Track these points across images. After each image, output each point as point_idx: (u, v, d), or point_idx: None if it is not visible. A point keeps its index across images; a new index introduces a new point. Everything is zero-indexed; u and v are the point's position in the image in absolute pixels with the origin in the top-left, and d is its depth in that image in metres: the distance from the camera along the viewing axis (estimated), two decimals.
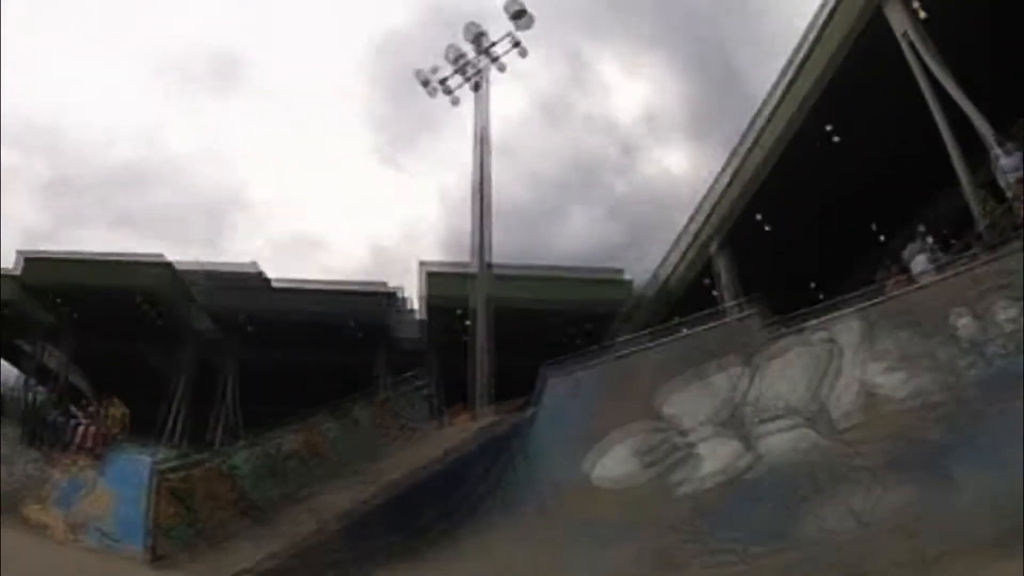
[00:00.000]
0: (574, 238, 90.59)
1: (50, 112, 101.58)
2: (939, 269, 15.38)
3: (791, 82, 26.30)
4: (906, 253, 18.15)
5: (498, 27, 28.23)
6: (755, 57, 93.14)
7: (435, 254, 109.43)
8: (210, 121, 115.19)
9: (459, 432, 17.70)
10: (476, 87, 27.68)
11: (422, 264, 38.58)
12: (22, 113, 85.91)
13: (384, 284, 42.35)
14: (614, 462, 13.09)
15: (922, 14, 20.46)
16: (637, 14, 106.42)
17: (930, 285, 12.83)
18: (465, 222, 26.23)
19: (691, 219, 35.97)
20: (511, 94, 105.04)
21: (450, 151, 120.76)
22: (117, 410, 22.82)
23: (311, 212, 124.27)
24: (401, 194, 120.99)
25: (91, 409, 23.93)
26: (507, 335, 26.24)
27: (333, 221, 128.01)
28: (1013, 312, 9.71)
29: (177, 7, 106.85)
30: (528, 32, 28.27)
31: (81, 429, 21.50)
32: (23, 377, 36.30)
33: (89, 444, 20.96)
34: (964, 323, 10.17)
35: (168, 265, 38.37)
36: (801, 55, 25.69)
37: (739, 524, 9.62)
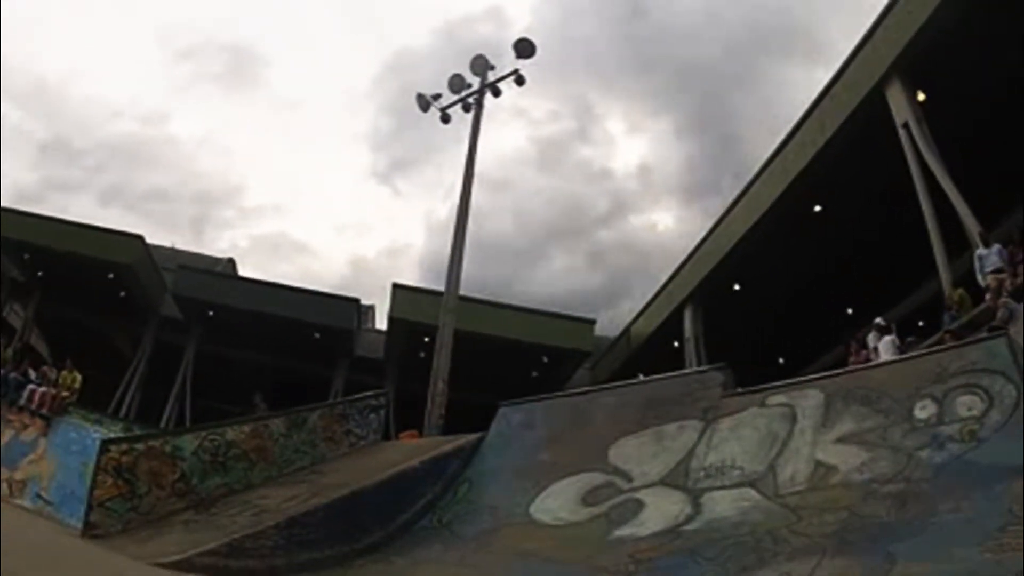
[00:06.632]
0: (551, 281, 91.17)
1: (58, 74, 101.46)
2: (902, 352, 15.63)
3: (783, 156, 26.64)
4: (870, 337, 18.36)
5: (508, 55, 28.41)
6: (761, 131, 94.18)
7: (415, 278, 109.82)
8: (217, 113, 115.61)
9: (406, 449, 17.73)
10: (467, 108, 27.84)
11: (395, 286, 38.49)
12: (30, 70, 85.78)
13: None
14: (556, 499, 13.08)
15: (921, 96, 20.80)
16: (651, 75, 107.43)
17: (894, 363, 13.00)
18: (448, 251, 26.24)
19: (668, 280, 36.26)
20: (513, 132, 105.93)
21: (446, 181, 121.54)
22: (71, 375, 22.65)
23: (301, 219, 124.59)
24: (391, 216, 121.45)
25: (44, 369, 23.74)
26: (466, 367, 26.25)
27: (321, 232, 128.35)
28: (971, 400, 9.88)
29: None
30: (540, 76, 28.44)
31: (34, 390, 21.35)
32: None
33: (39, 406, 20.83)
34: (922, 406, 10.30)
35: (143, 243, 38.28)
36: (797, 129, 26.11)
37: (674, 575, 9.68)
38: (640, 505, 11.94)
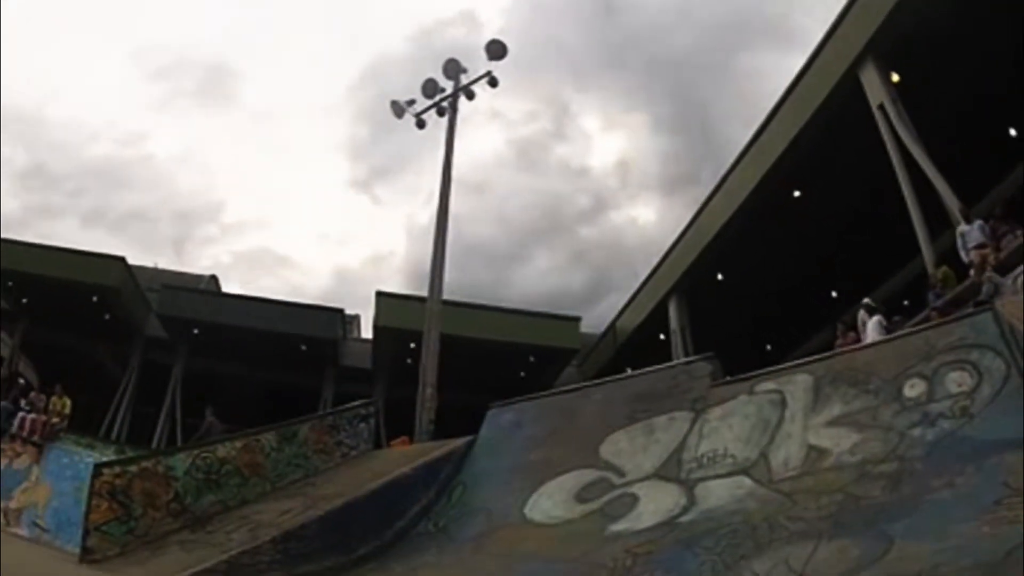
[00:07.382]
0: (536, 281, 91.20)
1: (34, 100, 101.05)
2: (889, 332, 15.64)
3: (760, 142, 26.67)
4: (860, 316, 18.33)
5: (483, 58, 28.32)
6: (737, 121, 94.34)
7: (399, 286, 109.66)
8: (194, 130, 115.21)
9: (397, 456, 17.68)
10: (441, 113, 27.78)
11: (379, 294, 38.47)
12: (6, 98, 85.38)
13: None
14: (550, 498, 13.04)
15: (895, 77, 20.84)
16: (625, 71, 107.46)
17: (881, 343, 12.97)
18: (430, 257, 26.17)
19: (651, 273, 36.28)
20: (490, 135, 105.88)
21: (425, 187, 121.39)
22: (61, 400, 22.56)
23: (282, 232, 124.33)
24: (373, 224, 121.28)
25: (33, 396, 23.61)
26: (454, 371, 26.21)
27: (303, 244, 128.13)
28: (961, 376, 9.91)
29: (173, 16, 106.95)
30: (514, 78, 28.45)
31: (24, 417, 21.25)
32: None
33: (31, 433, 20.74)
34: (912, 384, 10.31)
35: (125, 264, 38.17)
36: (772, 116, 26.14)
37: (672, 568, 9.65)
38: (635, 499, 11.92)
